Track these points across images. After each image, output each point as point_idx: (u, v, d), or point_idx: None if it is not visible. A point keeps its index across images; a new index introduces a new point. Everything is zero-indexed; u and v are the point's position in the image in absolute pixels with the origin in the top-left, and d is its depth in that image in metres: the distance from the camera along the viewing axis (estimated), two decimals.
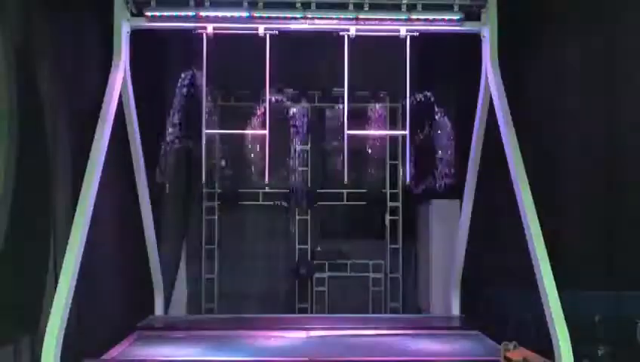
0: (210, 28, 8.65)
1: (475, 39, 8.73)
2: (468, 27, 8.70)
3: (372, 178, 12.38)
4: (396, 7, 8.60)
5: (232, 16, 8.58)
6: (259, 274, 12.21)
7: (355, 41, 8.85)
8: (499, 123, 8.14)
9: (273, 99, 10.96)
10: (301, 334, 8.93)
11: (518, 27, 8.72)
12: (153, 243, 9.71)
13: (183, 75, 10.58)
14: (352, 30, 8.75)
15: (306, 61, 11.27)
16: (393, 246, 12.38)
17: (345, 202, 12.29)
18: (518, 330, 8.02)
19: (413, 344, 8.43)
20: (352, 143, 9.42)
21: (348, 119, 9.25)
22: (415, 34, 8.81)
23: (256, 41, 8.76)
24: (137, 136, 8.89)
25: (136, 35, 8.56)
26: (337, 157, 11.15)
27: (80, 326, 7.15)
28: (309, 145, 12.39)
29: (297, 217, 12.28)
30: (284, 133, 12.15)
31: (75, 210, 7.07)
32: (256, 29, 8.68)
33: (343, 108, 9.28)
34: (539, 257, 6.96)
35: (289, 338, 8.74)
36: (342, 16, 8.62)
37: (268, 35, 8.74)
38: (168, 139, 10.49)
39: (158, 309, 10.04)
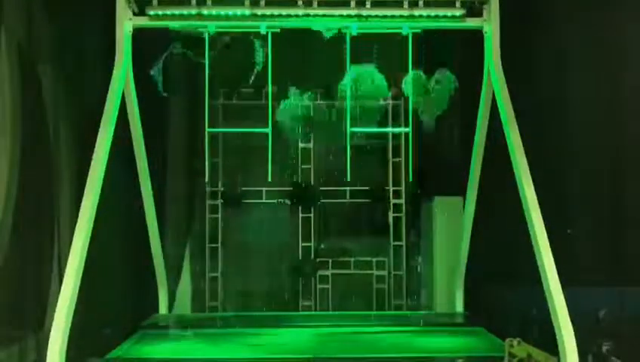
0: (212, 26, 8.64)
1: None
2: (470, 23, 8.68)
3: (375, 175, 12.40)
4: (398, 4, 8.59)
5: (234, 14, 8.57)
6: (262, 271, 12.22)
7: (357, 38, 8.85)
8: (501, 119, 8.13)
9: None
10: (305, 331, 8.94)
11: (520, 22, 8.71)
12: (157, 242, 9.73)
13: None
14: (354, 27, 8.74)
15: (308, 58, 11.26)
16: (397, 243, 12.37)
17: (348, 199, 12.29)
18: (522, 326, 8.01)
19: (417, 341, 8.43)
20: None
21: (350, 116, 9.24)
22: (417, 30, 8.79)
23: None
24: (140, 134, 8.89)
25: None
26: (340, 154, 11.13)
27: (85, 326, 7.16)
28: (312, 143, 12.38)
29: (301, 215, 12.29)
30: (287, 131, 12.15)
31: (78, 210, 7.08)
32: (258, 26, 8.67)
33: (346, 105, 9.25)
34: (543, 253, 6.95)
35: (293, 335, 8.75)
36: (344, 14, 8.62)
37: (270, 33, 8.73)
38: None
39: (163, 308, 10.07)
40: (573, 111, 7.90)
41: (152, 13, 8.47)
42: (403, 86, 9.21)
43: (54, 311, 6.44)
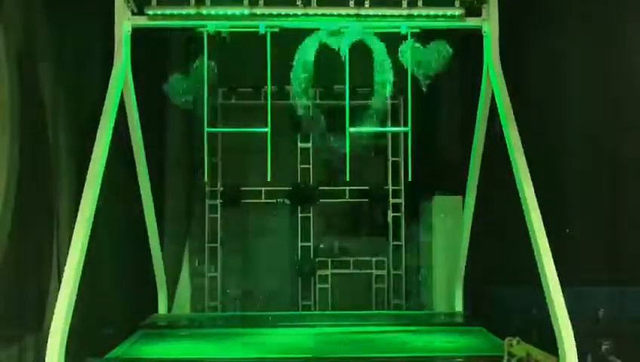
0: (211, 26, 8.64)
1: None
2: (469, 23, 8.68)
3: (374, 175, 12.41)
4: (397, 4, 8.59)
5: (233, 14, 8.57)
6: (262, 271, 12.23)
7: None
8: (500, 118, 8.14)
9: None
10: (304, 331, 8.94)
11: (519, 21, 8.71)
12: (156, 242, 9.73)
13: None
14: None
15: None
16: (396, 243, 12.38)
17: (347, 199, 12.30)
18: (521, 326, 8.01)
19: (416, 340, 8.43)
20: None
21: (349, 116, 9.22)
22: (416, 30, 8.79)
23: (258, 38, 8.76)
24: (139, 134, 8.88)
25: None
26: (339, 154, 11.14)
27: (84, 326, 7.16)
28: (311, 143, 12.39)
29: (300, 214, 12.30)
30: (286, 131, 12.15)
31: (77, 210, 7.08)
32: (257, 26, 8.67)
33: (345, 105, 9.23)
34: (542, 253, 6.96)
35: (292, 335, 8.76)
36: (342, 13, 8.61)
37: (269, 33, 8.72)
38: None
39: (162, 307, 10.07)
40: (573, 111, 7.90)
41: (150, 12, 8.45)
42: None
43: (53, 310, 6.44)
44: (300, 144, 12.37)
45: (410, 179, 9.16)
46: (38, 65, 7.37)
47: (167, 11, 8.50)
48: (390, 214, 12.36)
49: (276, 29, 8.70)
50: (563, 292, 6.72)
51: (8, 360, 6.67)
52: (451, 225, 10.71)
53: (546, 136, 8.25)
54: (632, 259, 6.74)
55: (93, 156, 7.39)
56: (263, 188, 12.04)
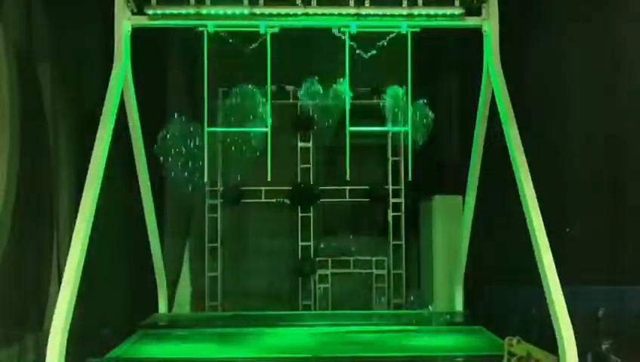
0: (211, 25, 8.64)
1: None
2: (469, 22, 8.68)
3: (374, 174, 12.41)
4: (397, 3, 8.59)
5: (232, 14, 8.57)
6: (262, 271, 12.22)
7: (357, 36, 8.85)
8: (500, 117, 8.14)
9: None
10: (304, 331, 8.94)
11: (519, 20, 8.71)
12: (157, 242, 9.73)
13: None
14: (353, 26, 8.74)
15: (307, 58, 11.26)
16: (396, 242, 12.37)
17: (347, 199, 12.29)
18: (521, 325, 8.02)
19: (416, 340, 8.43)
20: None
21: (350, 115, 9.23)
22: (416, 29, 8.79)
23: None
24: (139, 134, 8.88)
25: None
26: (339, 154, 11.14)
27: (84, 325, 7.16)
28: (311, 143, 12.38)
29: (300, 214, 12.29)
30: (286, 131, 12.15)
31: (77, 210, 7.08)
32: (257, 26, 8.67)
33: (345, 104, 9.24)
34: (542, 252, 6.96)
35: (292, 335, 8.76)
36: (343, 12, 8.61)
37: (269, 33, 8.72)
38: None
39: (162, 307, 10.07)
40: (573, 110, 7.90)
41: (150, 12, 8.45)
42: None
43: (53, 310, 6.43)
44: (300, 144, 12.37)
45: (410, 179, 9.17)
46: (38, 66, 7.37)
47: (167, 11, 8.50)
48: (390, 214, 12.36)
49: (276, 29, 8.71)
50: (563, 292, 6.72)
51: (8, 360, 6.67)
52: (451, 225, 10.70)
53: (546, 135, 8.25)
54: (632, 259, 6.74)
55: (93, 156, 7.38)
56: (263, 188, 12.03)
